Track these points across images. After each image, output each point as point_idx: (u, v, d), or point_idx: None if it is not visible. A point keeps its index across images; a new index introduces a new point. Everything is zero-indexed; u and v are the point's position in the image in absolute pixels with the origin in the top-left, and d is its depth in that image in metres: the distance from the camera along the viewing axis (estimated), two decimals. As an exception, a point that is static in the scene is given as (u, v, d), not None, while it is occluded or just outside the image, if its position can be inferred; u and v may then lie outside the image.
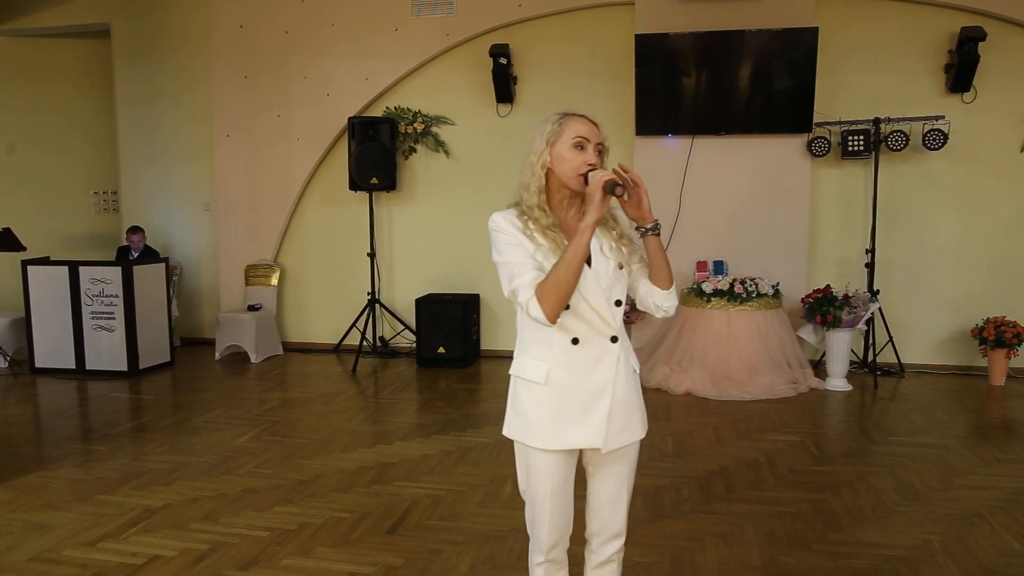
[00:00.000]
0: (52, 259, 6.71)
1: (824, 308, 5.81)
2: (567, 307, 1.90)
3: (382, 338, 7.18)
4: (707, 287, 5.93)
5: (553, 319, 1.84)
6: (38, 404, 5.73)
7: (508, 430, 2.04)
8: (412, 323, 6.89)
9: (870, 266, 6.16)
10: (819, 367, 6.18)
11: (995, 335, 5.90)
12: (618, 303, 1.96)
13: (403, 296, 7.17)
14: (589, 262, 1.91)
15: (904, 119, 6.01)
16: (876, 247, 6.18)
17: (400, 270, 7.24)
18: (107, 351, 6.40)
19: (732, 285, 5.87)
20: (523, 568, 2.98)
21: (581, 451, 2.03)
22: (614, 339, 1.95)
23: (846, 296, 5.85)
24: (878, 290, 6.16)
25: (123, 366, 6.38)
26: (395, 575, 2.95)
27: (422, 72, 7.00)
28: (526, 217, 1.93)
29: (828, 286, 5.96)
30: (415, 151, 7.05)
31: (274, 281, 7.35)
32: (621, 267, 1.97)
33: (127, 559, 3.09)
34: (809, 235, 6.41)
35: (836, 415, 5.30)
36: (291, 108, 7.20)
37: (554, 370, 1.93)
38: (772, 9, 6.20)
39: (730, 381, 5.67)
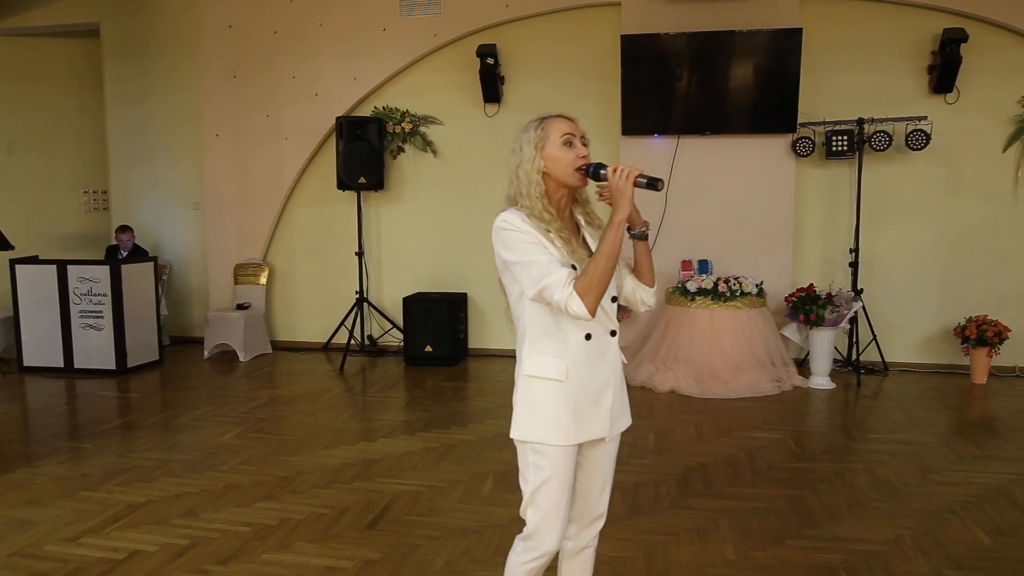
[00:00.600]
0: (41, 258, 6.73)
1: (807, 307, 5.86)
2: None
3: (370, 337, 7.22)
4: (691, 286, 5.97)
5: (594, 313, 1.87)
6: (26, 402, 5.75)
7: (522, 432, 2.00)
8: (400, 322, 6.93)
9: (854, 265, 6.21)
10: (803, 365, 6.23)
11: (977, 334, 5.95)
12: (614, 299, 2.06)
13: (391, 295, 7.21)
14: None
15: (887, 119, 6.07)
16: (860, 246, 6.23)
17: (388, 269, 7.27)
18: (95, 350, 6.42)
19: (716, 284, 5.91)
20: (499, 563, 3.02)
21: (579, 446, 2.06)
22: (613, 333, 2.03)
23: (829, 295, 5.91)
24: (861, 289, 6.21)
25: (111, 364, 6.40)
26: (372, 569, 2.99)
27: (410, 72, 7.03)
28: (537, 220, 1.94)
29: (811, 285, 6.01)
30: (403, 151, 7.08)
31: (263, 280, 7.38)
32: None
33: (108, 554, 3.12)
34: (794, 234, 6.46)
35: (818, 413, 5.34)
36: (280, 108, 7.22)
37: (572, 366, 1.96)
38: (757, 10, 6.25)
39: (714, 379, 5.71)
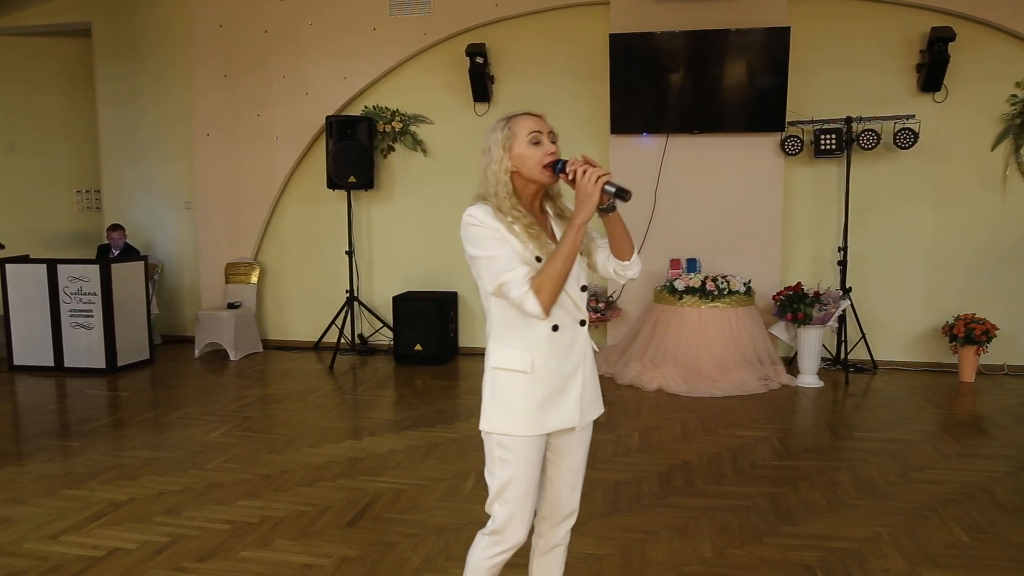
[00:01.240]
0: (31, 257, 6.74)
1: (795, 305, 5.87)
2: None
3: (361, 335, 7.23)
4: (679, 284, 5.99)
5: (548, 312, 1.91)
6: (15, 401, 5.77)
7: (488, 424, 2.01)
8: (390, 321, 6.94)
9: (842, 264, 6.22)
10: (792, 364, 6.24)
11: (965, 332, 5.96)
12: (584, 288, 2.06)
13: (382, 294, 7.22)
14: None
15: (875, 118, 6.08)
16: (848, 245, 6.25)
17: (379, 268, 7.28)
18: (85, 349, 6.44)
19: (704, 282, 5.93)
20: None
21: (548, 439, 2.08)
22: (583, 323, 2.05)
23: (816, 293, 5.92)
24: (849, 287, 6.22)
25: (101, 363, 6.42)
26: (349, 567, 3.00)
27: (400, 71, 7.04)
28: (503, 215, 1.97)
29: (799, 283, 6.02)
30: (393, 150, 7.10)
31: (254, 279, 7.39)
32: (581, 254, 2.04)
33: (87, 552, 3.13)
34: (782, 233, 6.47)
35: (804, 411, 5.35)
36: (270, 107, 7.24)
37: (538, 358, 1.98)
38: (745, 9, 6.26)
39: (702, 378, 5.72)
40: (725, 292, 5.90)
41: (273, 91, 7.22)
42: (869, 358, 6.35)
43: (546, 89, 6.73)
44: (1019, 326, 6.27)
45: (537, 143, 1.98)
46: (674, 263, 6.33)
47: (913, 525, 3.37)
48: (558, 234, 2.03)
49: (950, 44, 5.93)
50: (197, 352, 7.15)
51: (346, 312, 6.98)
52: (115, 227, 7.30)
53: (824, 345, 6.16)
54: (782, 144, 6.27)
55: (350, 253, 6.97)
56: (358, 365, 6.77)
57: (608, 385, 5.97)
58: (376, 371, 6.55)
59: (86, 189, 8.54)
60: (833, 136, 6.13)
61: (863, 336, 6.30)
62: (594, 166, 1.92)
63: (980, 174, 6.29)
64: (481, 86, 6.71)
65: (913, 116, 6.05)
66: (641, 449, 4.45)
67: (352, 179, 6.74)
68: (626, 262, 2.08)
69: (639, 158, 6.53)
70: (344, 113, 7.07)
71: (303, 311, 7.46)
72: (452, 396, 5.79)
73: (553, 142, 2.00)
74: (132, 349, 6.64)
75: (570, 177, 1.93)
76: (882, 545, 3.17)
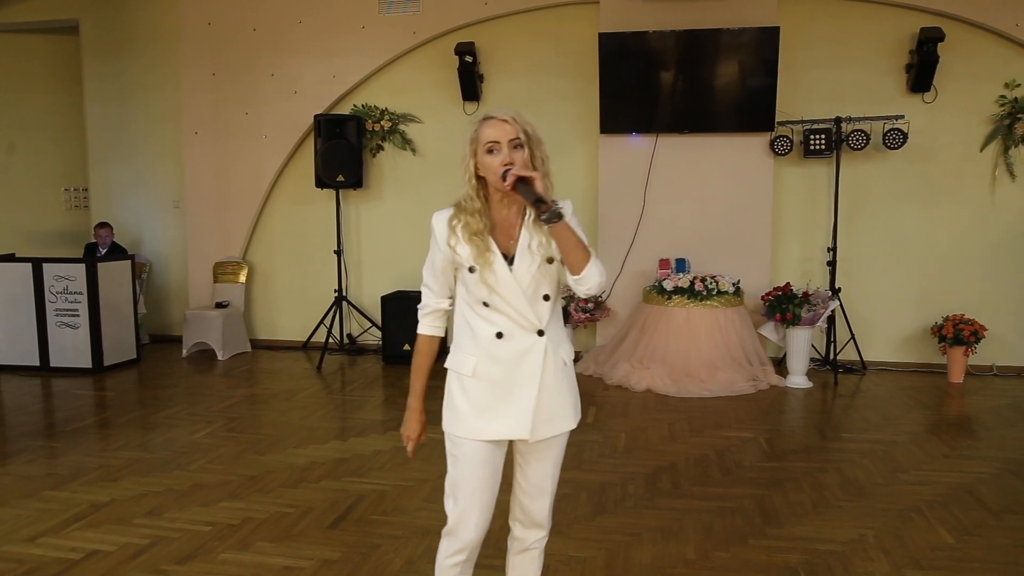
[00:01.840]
0: (17, 256, 6.69)
1: (784, 306, 5.87)
2: (486, 304, 1.98)
3: (349, 335, 7.20)
4: (668, 285, 5.97)
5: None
6: (-1, 401, 5.72)
7: (443, 423, 2.08)
8: (379, 320, 6.91)
9: (831, 264, 6.22)
10: (781, 365, 6.24)
11: (953, 333, 5.97)
12: (546, 297, 2.00)
13: (370, 293, 7.19)
14: (512, 262, 1.96)
15: (865, 118, 6.07)
16: (838, 245, 6.24)
17: (368, 267, 7.25)
18: (71, 348, 6.39)
19: (693, 283, 5.92)
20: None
21: (512, 443, 2.08)
22: (541, 333, 2.00)
23: (805, 294, 5.91)
24: (839, 288, 6.22)
25: (87, 363, 6.37)
26: (330, 569, 2.97)
27: (389, 70, 7.01)
28: (457, 221, 1.98)
29: (788, 284, 6.02)
30: (382, 149, 7.06)
31: (242, 278, 7.35)
32: (551, 261, 1.98)
33: (66, 554, 3.10)
34: (772, 233, 6.47)
35: (793, 412, 5.35)
36: (259, 106, 7.20)
37: (481, 362, 2.00)
38: (735, 9, 6.25)
39: (690, 378, 5.71)
40: (714, 292, 5.89)
41: (262, 90, 7.18)
42: (858, 359, 6.35)
43: (535, 88, 6.72)
44: (1008, 327, 6.28)
45: (491, 152, 1.93)
46: (663, 263, 6.32)
47: (898, 527, 3.36)
48: (528, 240, 1.97)
49: (939, 45, 5.93)
50: (185, 352, 7.11)
51: (334, 312, 6.95)
52: (102, 224, 7.26)
53: (813, 346, 6.16)
54: (772, 144, 6.26)
55: (339, 252, 6.93)
56: (346, 365, 6.73)
57: (596, 385, 5.95)
58: (364, 371, 6.52)
59: (73, 188, 8.48)
60: (822, 136, 6.13)
61: (852, 337, 6.30)
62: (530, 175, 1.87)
63: (969, 174, 6.29)
64: (470, 85, 6.68)
65: (902, 116, 6.05)
66: (628, 450, 4.44)
67: (341, 178, 6.70)
68: (575, 277, 1.93)
69: (628, 158, 6.52)
70: (333, 112, 7.03)
71: (291, 310, 7.43)
72: (439, 397, 5.71)
73: (519, 147, 1.93)
74: (119, 349, 6.59)
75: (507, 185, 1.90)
76: (867, 547, 3.16)
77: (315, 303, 7.21)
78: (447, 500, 2.07)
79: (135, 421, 5.08)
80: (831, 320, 6.13)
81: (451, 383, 2.07)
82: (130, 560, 3.04)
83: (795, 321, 5.83)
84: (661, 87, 6.37)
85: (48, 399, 5.73)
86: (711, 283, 5.90)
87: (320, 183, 6.77)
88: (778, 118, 6.20)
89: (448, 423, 2.06)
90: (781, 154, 6.26)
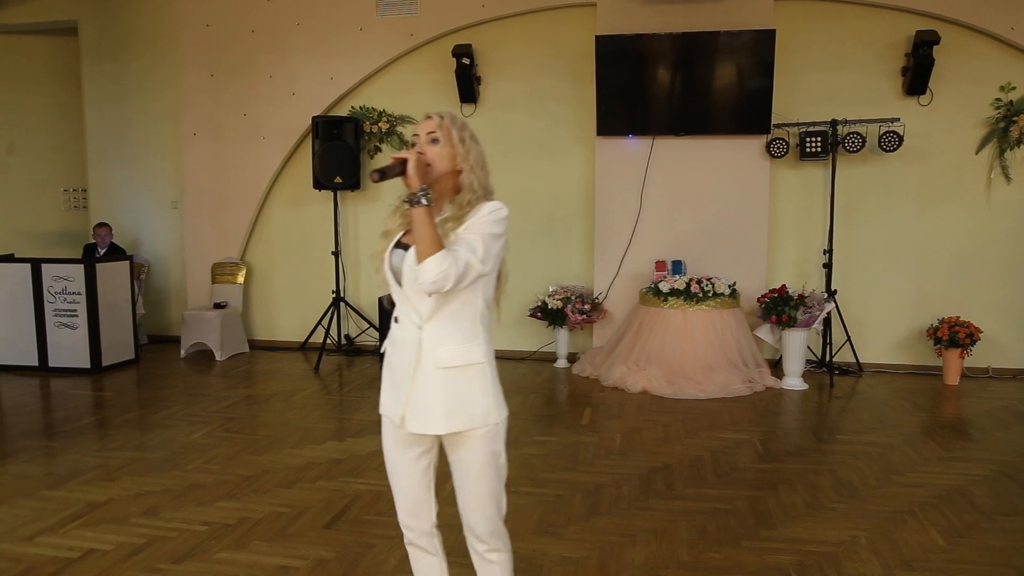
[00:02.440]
0: (16, 256, 6.71)
1: (779, 308, 5.89)
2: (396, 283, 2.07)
3: (347, 336, 7.22)
4: (664, 287, 5.99)
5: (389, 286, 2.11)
6: (-3, 401, 5.74)
7: None
8: (376, 321, 6.93)
9: (827, 266, 6.24)
10: (778, 366, 6.26)
11: (949, 335, 5.99)
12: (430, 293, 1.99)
13: (368, 294, 7.21)
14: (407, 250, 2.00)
15: (860, 121, 6.10)
16: (834, 247, 6.27)
17: (365, 268, 7.27)
18: (70, 348, 6.41)
19: (689, 285, 5.94)
20: (452, 562, 3.05)
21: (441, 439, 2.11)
22: (420, 327, 2.02)
23: (801, 296, 5.93)
24: (835, 290, 6.24)
25: (86, 363, 6.39)
26: (325, 568, 2.99)
27: (387, 72, 7.04)
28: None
29: (784, 286, 6.04)
30: (380, 150, 7.08)
31: (240, 279, 7.37)
32: None
33: (62, 553, 3.12)
34: (768, 235, 6.49)
35: (788, 414, 5.37)
36: (257, 107, 7.22)
37: (388, 342, 2.14)
38: (731, 11, 6.28)
39: (686, 380, 5.73)
40: (710, 294, 5.91)
41: (260, 91, 7.21)
42: (854, 360, 6.37)
43: (532, 90, 6.74)
44: (1003, 329, 6.31)
45: (413, 145, 2.05)
46: (659, 265, 6.34)
47: (891, 529, 3.38)
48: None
49: (935, 48, 5.95)
50: (183, 352, 7.13)
51: (332, 312, 6.97)
52: (101, 224, 7.29)
53: (809, 347, 6.18)
54: (768, 147, 6.28)
55: (336, 254, 6.96)
56: (344, 366, 6.75)
57: (593, 387, 5.98)
58: (362, 372, 6.54)
59: (73, 188, 8.50)
60: (818, 139, 6.15)
61: (848, 339, 6.33)
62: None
63: (965, 177, 6.32)
64: (468, 87, 6.71)
65: (898, 119, 6.07)
66: (623, 451, 4.46)
67: (338, 179, 6.73)
68: (416, 266, 1.91)
69: (625, 160, 6.54)
70: (331, 114, 7.05)
71: (289, 311, 7.45)
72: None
73: (435, 141, 2.01)
74: (117, 349, 6.61)
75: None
76: (859, 549, 3.18)
77: (313, 304, 7.23)
78: None
79: (133, 421, 5.10)
80: (827, 322, 6.15)
81: None
82: (127, 559, 3.06)
83: (791, 323, 5.85)
84: (657, 89, 6.40)
85: (46, 399, 5.75)
86: (707, 285, 5.93)
87: (318, 184, 6.79)
88: (774, 121, 6.22)
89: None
90: (777, 156, 6.28)
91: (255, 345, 7.48)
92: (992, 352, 6.27)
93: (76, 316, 6.39)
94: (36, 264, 6.46)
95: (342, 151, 6.71)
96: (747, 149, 6.40)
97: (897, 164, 6.32)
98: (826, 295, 6.13)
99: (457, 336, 2.02)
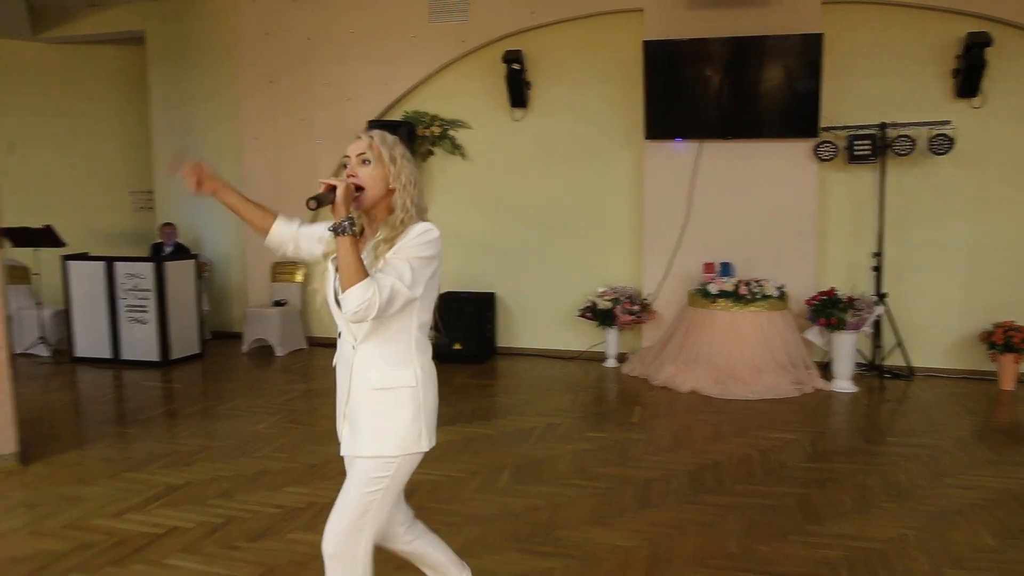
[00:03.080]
0: (90, 255, 7.09)
1: (828, 310, 5.92)
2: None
3: (401, 334, 7.41)
4: (713, 288, 6.07)
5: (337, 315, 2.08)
6: (77, 391, 6.09)
7: None
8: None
9: (877, 269, 6.24)
10: (827, 369, 6.27)
11: (1004, 340, 5.94)
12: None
13: (422, 293, 7.39)
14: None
15: (910, 124, 6.09)
16: (885, 250, 6.26)
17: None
18: (141, 342, 6.75)
19: (737, 287, 6.00)
20: (510, 549, 3.22)
21: None
22: (354, 347, 2.06)
23: (850, 299, 5.95)
24: (885, 293, 6.24)
25: (155, 356, 6.72)
26: (388, 554, 3.16)
27: (439, 77, 7.24)
28: None
29: (832, 289, 6.06)
30: (432, 154, 7.29)
31: (299, 278, 7.65)
32: None
33: (149, 528, 3.37)
34: (817, 238, 6.51)
35: (837, 416, 5.40)
36: (313, 111, 7.49)
37: (336, 355, 2.16)
38: (778, 16, 6.32)
39: (734, 380, 5.80)
40: (759, 296, 5.96)
41: (316, 96, 7.47)
42: (905, 364, 6.35)
43: (581, 95, 6.88)
44: (1059, 334, 6.21)
45: (344, 166, 2.07)
46: (708, 267, 6.41)
47: (940, 528, 3.42)
48: (366, 256, 1.99)
49: (987, 49, 5.91)
50: (245, 347, 7.42)
51: (386, 311, 7.18)
52: (167, 223, 7.65)
53: (859, 350, 6.18)
54: (816, 150, 6.31)
55: (391, 254, 7.16)
56: (397, 362, 6.95)
57: (642, 386, 6.08)
58: (415, 369, 6.73)
59: (140, 190, 8.90)
60: (868, 142, 6.16)
61: (899, 342, 6.30)
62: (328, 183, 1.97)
63: (1018, 180, 6.24)
64: (518, 92, 6.86)
65: (949, 122, 6.05)
66: (672, 448, 4.56)
67: (394, 182, 6.92)
68: (344, 294, 1.89)
69: (673, 163, 6.63)
70: (384, 118, 7.28)
71: (345, 309, 7.66)
72: (489, 394, 5.95)
73: (366, 162, 2.02)
74: (184, 343, 6.94)
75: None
76: (907, 546, 3.24)
77: (367, 302, 7.45)
78: None
79: (201, 412, 5.38)
80: (877, 325, 6.15)
81: None
82: (207, 536, 3.29)
83: (840, 326, 5.88)
84: (705, 93, 6.47)
85: (120, 389, 6.08)
86: (756, 287, 5.98)
87: (374, 187, 7.00)
88: (822, 124, 6.25)
89: None
90: (826, 160, 6.30)
91: (313, 342, 7.74)
92: (1048, 357, 6.19)
93: (146, 312, 6.72)
94: (109, 262, 6.82)
95: (397, 155, 6.91)
96: (795, 152, 6.43)
97: (949, 167, 6.28)
98: (875, 298, 6.13)
99: (389, 358, 2.03)
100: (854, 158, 6.22)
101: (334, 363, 2.17)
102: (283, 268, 7.69)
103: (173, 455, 4.39)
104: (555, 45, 6.93)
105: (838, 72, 6.32)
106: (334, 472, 4.09)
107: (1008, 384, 6.03)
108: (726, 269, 6.41)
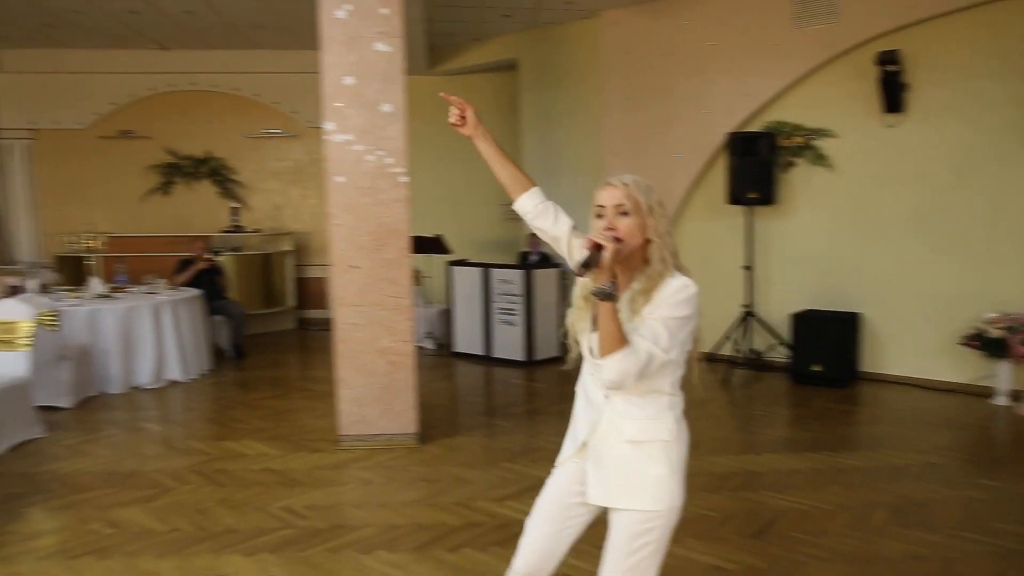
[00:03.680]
0: (469, 261, 8.03)
1: None
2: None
3: (754, 350, 7.18)
4: None
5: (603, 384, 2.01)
6: (455, 382, 6.95)
7: None
8: (786, 337, 6.79)
9: None
10: None
11: None
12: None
13: (778, 310, 7.07)
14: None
15: None
16: None
17: (776, 284, 7.17)
18: (509, 342, 7.46)
19: None
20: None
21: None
22: (607, 396, 2.01)
23: None
24: None
25: (521, 356, 7.37)
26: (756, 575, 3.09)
27: (801, 85, 6.85)
28: None
29: None
30: (794, 164, 6.94)
31: (649, 289, 7.80)
32: None
33: (525, 517, 3.68)
34: None
35: None
36: (671, 125, 7.58)
37: (580, 383, 2.16)
38: None
39: None
40: None
41: (674, 111, 7.55)
42: None
43: (970, 96, 5.95)
44: None
45: (598, 216, 1.99)
46: None
47: None
48: (622, 309, 1.93)
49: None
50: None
51: (741, 326, 7.02)
52: (534, 235, 8.33)
53: None
54: None
55: (748, 268, 6.98)
56: (752, 380, 6.75)
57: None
58: (771, 388, 6.48)
59: (507, 203, 9.82)
60: None
61: None
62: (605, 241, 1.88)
63: None
64: (893, 95, 6.18)
65: None
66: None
67: (752, 194, 6.75)
68: (597, 360, 1.88)
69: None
70: (744, 129, 7.10)
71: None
72: (855, 422, 5.51)
73: (625, 214, 1.94)
74: (546, 345, 7.48)
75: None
76: None
77: (720, 316, 7.32)
78: None
79: (562, 412, 5.72)
80: None
81: None
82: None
83: None
84: None
85: (491, 384, 6.79)
86: None
87: (732, 199, 6.89)
88: None
89: None
90: None
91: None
92: None
93: (515, 315, 7.41)
94: (486, 268, 7.65)
95: (756, 166, 6.73)
96: None
97: None
98: None
99: (642, 413, 2.00)
100: None
101: (576, 388, 2.19)
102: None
103: (542, 451, 4.73)
104: (938, 40, 6.09)
105: None
106: (692, 488, 4.06)
107: None
108: None
